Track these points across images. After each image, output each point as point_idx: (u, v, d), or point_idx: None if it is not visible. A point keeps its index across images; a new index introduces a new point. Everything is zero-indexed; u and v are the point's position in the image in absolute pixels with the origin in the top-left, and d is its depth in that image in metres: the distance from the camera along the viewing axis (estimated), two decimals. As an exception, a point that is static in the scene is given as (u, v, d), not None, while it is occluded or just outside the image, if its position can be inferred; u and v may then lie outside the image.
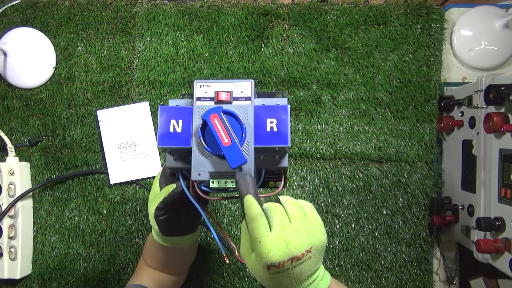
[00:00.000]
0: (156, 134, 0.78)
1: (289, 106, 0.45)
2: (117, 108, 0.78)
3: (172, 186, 0.50)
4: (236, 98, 0.45)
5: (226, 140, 0.42)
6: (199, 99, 0.45)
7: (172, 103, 0.48)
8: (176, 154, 0.48)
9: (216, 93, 0.45)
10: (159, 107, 0.46)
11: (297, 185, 0.77)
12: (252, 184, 0.42)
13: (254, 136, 0.44)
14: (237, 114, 0.44)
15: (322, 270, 0.43)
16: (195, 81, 0.46)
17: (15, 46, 0.78)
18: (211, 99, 0.45)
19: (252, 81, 0.46)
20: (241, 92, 0.45)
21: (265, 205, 0.43)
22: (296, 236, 0.40)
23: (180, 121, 0.45)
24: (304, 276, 0.41)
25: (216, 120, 0.42)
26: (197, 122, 0.45)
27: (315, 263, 0.41)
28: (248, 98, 0.45)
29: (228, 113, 0.44)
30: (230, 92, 0.45)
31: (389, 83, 0.77)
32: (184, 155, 0.47)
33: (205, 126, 0.44)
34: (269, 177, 0.50)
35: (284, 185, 0.50)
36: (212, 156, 0.45)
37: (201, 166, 0.45)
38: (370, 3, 0.78)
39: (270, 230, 0.40)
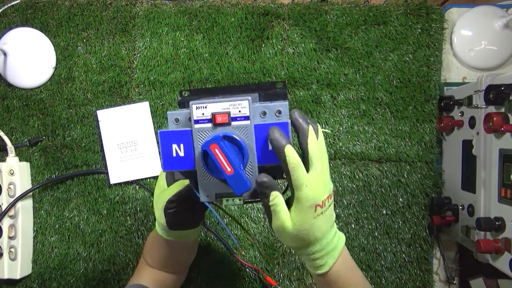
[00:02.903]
0: (156, 134, 0.78)
1: (289, 122, 0.44)
2: (117, 108, 0.78)
3: (187, 181, 0.51)
4: (234, 118, 0.44)
5: (229, 169, 0.42)
6: (197, 122, 0.44)
7: (171, 116, 0.47)
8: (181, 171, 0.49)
9: (214, 115, 0.44)
10: (159, 132, 0.46)
11: (297, 185, 0.77)
12: (286, 135, 0.44)
13: (257, 156, 0.44)
14: (237, 138, 0.44)
15: (335, 226, 0.49)
16: (190, 103, 0.44)
17: (15, 46, 0.78)
18: (209, 120, 0.44)
19: (249, 98, 0.44)
20: (239, 111, 0.44)
21: (311, 145, 0.44)
22: (327, 177, 0.45)
23: (182, 145, 0.45)
24: (331, 220, 0.47)
25: (216, 150, 0.42)
26: (198, 146, 0.45)
27: (333, 210, 0.47)
28: (246, 118, 0.44)
29: (228, 138, 0.44)
30: (228, 113, 0.44)
31: (389, 83, 0.77)
32: (190, 171, 0.48)
33: (207, 153, 0.44)
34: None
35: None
36: (216, 179, 0.45)
37: (208, 189, 0.46)
38: (370, 3, 0.79)
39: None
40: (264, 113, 0.45)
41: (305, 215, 0.44)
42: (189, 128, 0.45)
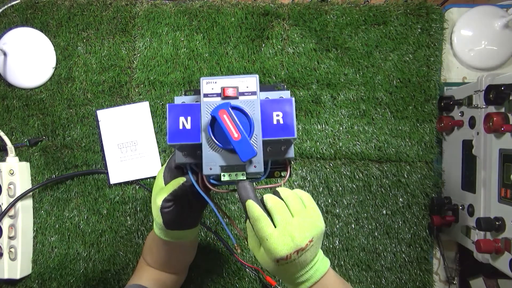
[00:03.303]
0: (156, 134, 0.78)
1: (293, 98, 0.46)
2: (117, 108, 0.78)
3: (182, 179, 0.51)
4: (242, 93, 0.46)
5: (236, 135, 0.43)
6: (206, 95, 0.46)
7: (178, 100, 0.49)
8: (185, 149, 0.49)
9: (223, 89, 0.46)
10: (167, 105, 0.47)
11: (297, 185, 0.77)
12: (251, 189, 0.46)
13: (262, 129, 0.45)
14: (244, 109, 0.45)
15: (320, 253, 0.48)
16: (201, 78, 0.47)
17: (15, 46, 0.78)
18: (217, 95, 0.46)
19: (257, 76, 0.47)
20: (247, 87, 0.46)
21: (268, 202, 0.46)
22: (300, 230, 0.43)
23: (189, 118, 0.46)
24: (307, 261, 0.45)
25: (225, 116, 0.43)
26: (205, 118, 0.46)
27: (316, 248, 0.46)
28: (254, 93, 0.46)
29: (235, 108, 0.45)
30: (236, 87, 0.46)
31: (389, 83, 0.77)
32: (193, 150, 0.49)
33: (214, 122, 0.45)
34: (275, 167, 0.51)
35: (290, 175, 0.51)
36: (222, 150, 0.46)
37: (212, 161, 0.46)
38: (370, 3, 0.78)
39: (275, 226, 0.44)
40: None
41: (268, 263, 0.45)
42: (196, 102, 0.47)
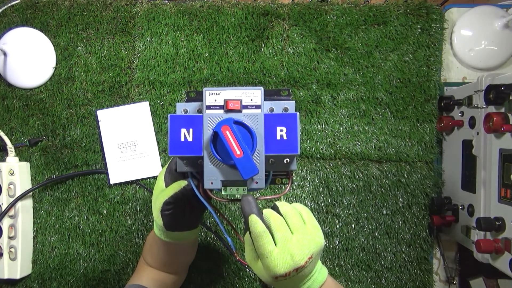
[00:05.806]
0: (156, 134, 0.78)
1: (298, 114, 0.45)
2: (117, 108, 0.78)
3: (184, 182, 0.50)
4: (245, 106, 0.45)
5: (238, 152, 0.42)
6: (208, 107, 0.45)
7: (180, 107, 0.48)
8: (186, 159, 0.49)
9: (226, 101, 0.45)
10: (169, 116, 0.46)
11: (297, 185, 0.77)
12: (254, 204, 0.45)
13: (265, 145, 0.45)
14: (248, 124, 0.44)
15: (318, 264, 0.47)
16: (204, 89, 0.45)
17: (15, 46, 0.78)
18: (220, 107, 0.45)
19: (262, 88, 0.46)
20: (251, 100, 0.45)
21: (267, 216, 0.45)
22: (299, 248, 0.43)
23: (191, 130, 0.46)
24: (306, 275, 0.45)
25: (227, 132, 0.43)
26: (207, 131, 0.45)
27: (315, 263, 0.46)
28: (258, 106, 0.45)
29: (238, 123, 0.44)
30: (240, 100, 0.45)
31: (389, 83, 0.77)
32: (194, 160, 0.48)
33: (217, 137, 0.44)
34: (276, 174, 0.51)
35: (292, 182, 0.51)
36: (223, 165, 0.45)
37: (213, 175, 0.46)
38: (370, 3, 0.79)
39: (275, 244, 0.43)
40: (272, 110, 0.47)
41: (266, 278, 0.44)
42: (199, 114, 0.46)
